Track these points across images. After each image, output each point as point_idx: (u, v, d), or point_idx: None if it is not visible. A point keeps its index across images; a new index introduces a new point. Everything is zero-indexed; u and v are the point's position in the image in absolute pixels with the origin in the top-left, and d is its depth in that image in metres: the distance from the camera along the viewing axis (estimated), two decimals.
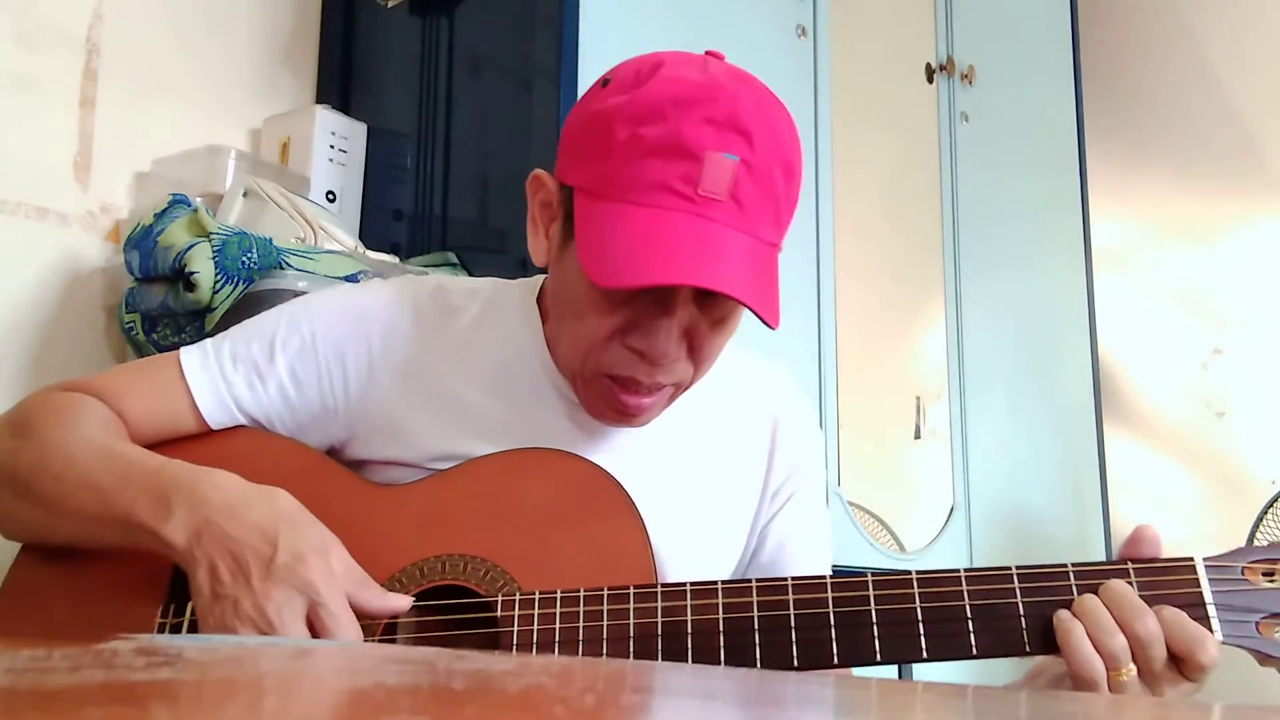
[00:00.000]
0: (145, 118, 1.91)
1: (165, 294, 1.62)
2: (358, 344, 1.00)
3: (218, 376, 1.00)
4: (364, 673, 0.46)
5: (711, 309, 0.90)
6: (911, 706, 0.48)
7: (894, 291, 2.33)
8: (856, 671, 0.93)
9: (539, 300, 1.04)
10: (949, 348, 2.34)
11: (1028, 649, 0.81)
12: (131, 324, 1.71)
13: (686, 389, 0.96)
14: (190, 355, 1.01)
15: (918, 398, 2.29)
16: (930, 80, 2.42)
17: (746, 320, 1.88)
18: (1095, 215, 2.74)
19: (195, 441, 0.99)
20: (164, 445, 0.98)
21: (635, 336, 0.90)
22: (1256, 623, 0.81)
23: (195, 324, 1.61)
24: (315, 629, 0.83)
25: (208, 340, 1.03)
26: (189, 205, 1.66)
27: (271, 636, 0.82)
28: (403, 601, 0.87)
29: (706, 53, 0.92)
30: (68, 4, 1.85)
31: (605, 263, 0.85)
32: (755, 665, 0.83)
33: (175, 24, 1.97)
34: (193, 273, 1.54)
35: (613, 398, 0.93)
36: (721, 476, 1.04)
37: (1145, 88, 2.91)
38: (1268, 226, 2.71)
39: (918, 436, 2.27)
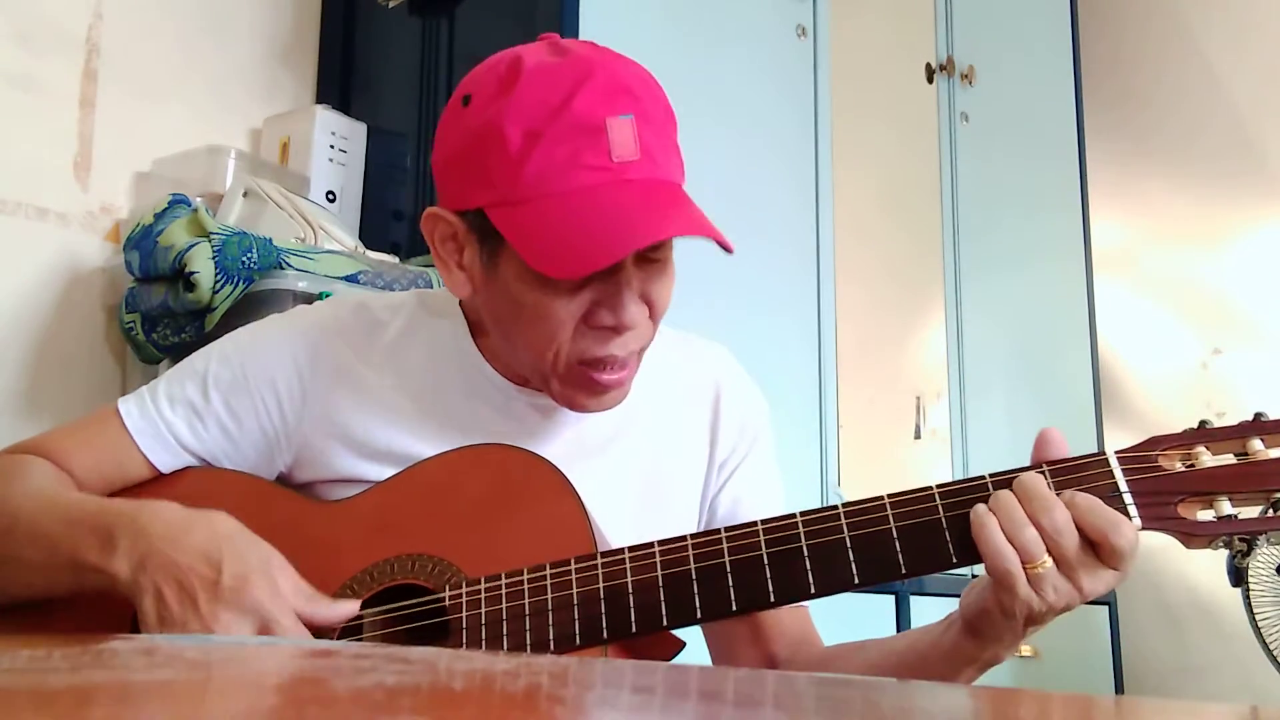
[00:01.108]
0: (145, 118, 1.91)
1: (165, 294, 1.62)
2: (287, 370, 1.02)
3: (157, 421, 1.01)
4: (364, 673, 0.46)
5: (651, 265, 0.92)
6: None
7: (893, 291, 2.33)
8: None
9: (462, 305, 1.05)
10: (949, 348, 2.34)
11: (954, 559, 0.83)
12: (131, 324, 1.71)
13: (647, 349, 0.98)
14: (128, 405, 1.02)
15: (918, 398, 2.29)
16: (930, 80, 2.42)
17: (739, 317, 1.88)
18: (1095, 215, 2.74)
19: (145, 488, 1.00)
20: (114, 495, 0.99)
21: (601, 315, 0.90)
22: (1175, 505, 0.81)
23: (195, 324, 1.61)
24: None
25: (143, 388, 1.04)
26: (189, 205, 1.66)
27: (268, 638, 0.82)
28: (349, 607, 0.88)
29: (541, 37, 0.95)
30: (68, 4, 1.85)
31: (558, 256, 0.86)
32: (696, 615, 0.85)
33: (175, 24, 1.97)
34: (193, 273, 1.54)
35: (592, 383, 0.94)
36: (666, 456, 1.05)
37: (1145, 88, 2.91)
38: (1268, 226, 2.71)
39: (918, 436, 2.27)
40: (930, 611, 2.05)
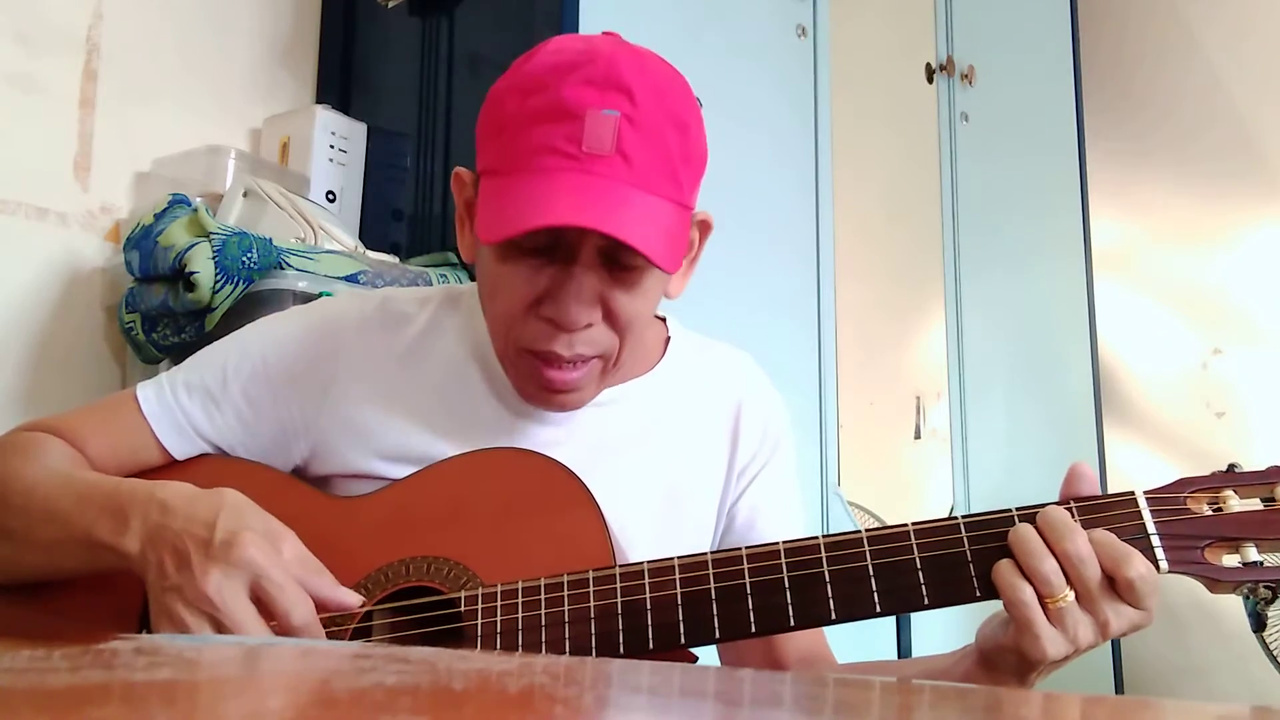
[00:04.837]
0: (145, 118, 1.91)
1: (165, 294, 1.62)
2: (308, 364, 1.02)
3: (174, 407, 1.01)
4: (364, 673, 0.46)
5: (619, 271, 0.90)
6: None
7: (894, 291, 2.33)
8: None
9: None
10: (949, 348, 2.34)
11: (978, 594, 0.82)
12: (131, 324, 1.71)
13: (616, 363, 0.96)
14: (145, 390, 1.02)
15: (918, 398, 2.29)
16: (930, 80, 2.42)
17: (739, 317, 1.88)
18: (1095, 215, 2.74)
19: (159, 474, 1.00)
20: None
21: (547, 305, 0.90)
22: (1202, 549, 0.81)
23: (195, 324, 1.61)
24: (262, 605, 0.82)
25: (162, 375, 1.04)
26: (189, 205, 1.66)
27: (269, 638, 0.82)
28: (353, 598, 0.86)
29: (605, 33, 0.94)
30: (68, 4, 1.85)
31: (493, 224, 0.87)
32: (714, 635, 0.84)
33: (175, 24, 1.97)
34: (193, 273, 1.54)
35: (539, 375, 0.94)
36: (687, 461, 1.04)
37: (1145, 88, 2.91)
38: (1268, 226, 2.71)
39: (918, 436, 2.27)
40: (931, 616, 2.05)
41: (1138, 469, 2.77)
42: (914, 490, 2.30)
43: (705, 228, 1.00)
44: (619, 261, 0.90)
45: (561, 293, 0.89)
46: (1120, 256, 2.87)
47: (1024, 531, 0.80)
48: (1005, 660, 0.82)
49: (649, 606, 0.84)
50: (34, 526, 0.91)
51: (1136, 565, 0.78)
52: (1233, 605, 2.26)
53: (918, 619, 2.04)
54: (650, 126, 0.87)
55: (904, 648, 2.02)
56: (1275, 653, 2.11)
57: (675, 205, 0.90)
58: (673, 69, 0.93)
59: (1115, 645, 2.55)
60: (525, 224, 0.85)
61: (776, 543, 0.85)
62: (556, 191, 0.85)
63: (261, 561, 0.82)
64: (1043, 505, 0.83)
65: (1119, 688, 2.50)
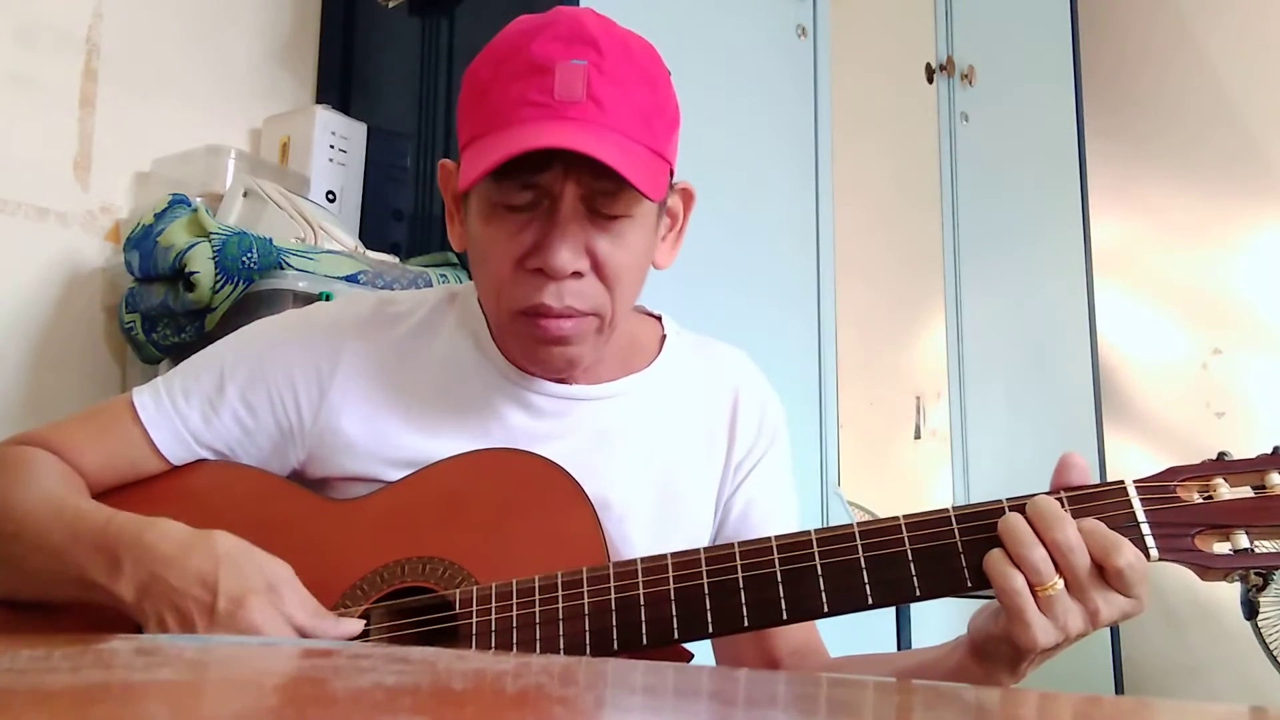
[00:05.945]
0: (145, 118, 1.91)
1: (165, 294, 1.62)
2: (305, 365, 1.02)
3: (171, 413, 1.00)
4: (364, 673, 0.46)
5: (602, 220, 0.91)
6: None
7: (894, 291, 2.33)
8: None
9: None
10: (949, 348, 2.34)
11: (969, 585, 0.82)
12: (131, 324, 1.71)
13: (611, 323, 0.96)
14: (142, 397, 1.01)
15: (918, 398, 2.29)
16: (930, 80, 2.42)
17: (740, 317, 1.88)
18: (1095, 216, 2.74)
19: (156, 481, 1.00)
20: (126, 487, 0.99)
21: (533, 257, 0.91)
22: (1192, 536, 0.81)
23: (195, 324, 1.61)
24: None
25: (158, 379, 1.04)
26: (189, 205, 1.66)
27: (269, 638, 0.82)
28: (354, 625, 0.88)
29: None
30: (68, 4, 1.85)
31: (473, 169, 0.89)
32: (708, 630, 0.85)
33: (175, 24, 1.97)
34: (193, 273, 1.54)
35: (534, 332, 0.94)
36: (684, 454, 1.05)
37: (1145, 88, 2.91)
38: (1268, 227, 2.71)
39: (918, 436, 2.27)
40: (930, 611, 2.05)
41: (1137, 469, 2.76)
42: (914, 490, 2.30)
43: (688, 196, 1.02)
44: (601, 211, 0.91)
45: (547, 241, 0.90)
46: (1120, 257, 2.87)
47: (1013, 521, 0.81)
48: (997, 650, 0.82)
49: (642, 602, 0.85)
50: (26, 555, 0.91)
51: (1125, 553, 0.78)
52: (1232, 604, 2.26)
53: (917, 615, 2.04)
54: (618, 75, 0.90)
55: (904, 643, 2.02)
56: (1269, 640, 2.11)
57: (650, 152, 0.91)
58: (639, 36, 0.96)
59: (1115, 645, 2.55)
60: (502, 153, 0.86)
61: (769, 537, 0.86)
62: (534, 133, 0.87)
63: (267, 629, 0.83)
64: (1033, 494, 0.83)
65: (1118, 687, 2.50)
